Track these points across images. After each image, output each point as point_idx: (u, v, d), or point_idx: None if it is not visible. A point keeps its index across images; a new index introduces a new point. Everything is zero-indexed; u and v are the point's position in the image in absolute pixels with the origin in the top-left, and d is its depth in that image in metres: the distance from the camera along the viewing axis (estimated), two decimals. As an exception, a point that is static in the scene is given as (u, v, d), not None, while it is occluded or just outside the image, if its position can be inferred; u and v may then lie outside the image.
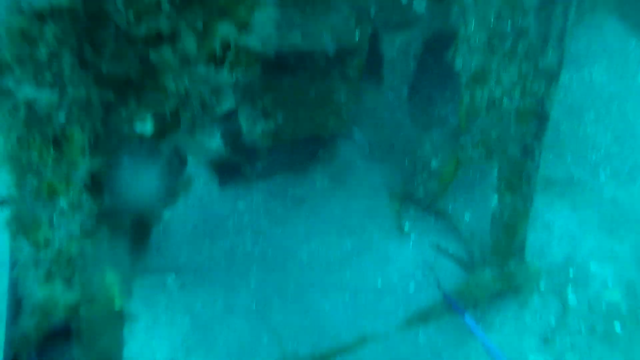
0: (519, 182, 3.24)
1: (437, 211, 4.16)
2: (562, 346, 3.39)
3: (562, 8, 2.82)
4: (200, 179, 5.06)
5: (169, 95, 1.82)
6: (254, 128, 3.87)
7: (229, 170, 4.92)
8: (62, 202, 1.45)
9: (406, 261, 4.19)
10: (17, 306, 1.42)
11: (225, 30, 1.78)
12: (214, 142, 4.57)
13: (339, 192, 4.76)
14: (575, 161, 4.08)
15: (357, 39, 3.71)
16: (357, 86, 4.14)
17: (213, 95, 1.88)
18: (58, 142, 1.39)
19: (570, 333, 3.42)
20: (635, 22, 4.54)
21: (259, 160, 4.71)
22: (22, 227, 1.43)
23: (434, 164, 3.88)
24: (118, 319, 1.71)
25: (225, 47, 1.83)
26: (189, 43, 1.76)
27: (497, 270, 3.50)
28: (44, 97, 1.29)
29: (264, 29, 1.83)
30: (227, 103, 4.08)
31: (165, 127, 1.88)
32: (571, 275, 3.64)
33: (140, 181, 2.10)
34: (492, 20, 2.83)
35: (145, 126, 1.84)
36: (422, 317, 3.44)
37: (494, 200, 3.38)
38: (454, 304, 3.28)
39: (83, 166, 1.47)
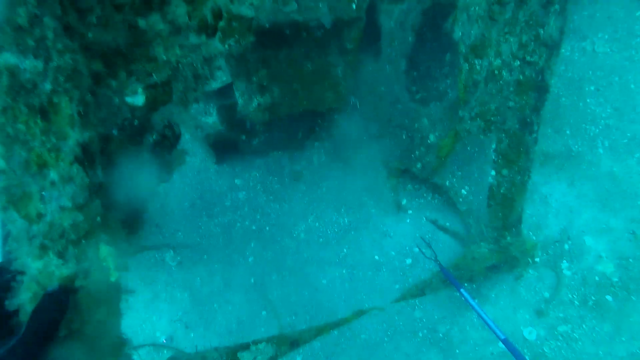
0: (516, 155, 3.21)
1: (435, 185, 4.15)
2: (556, 318, 3.46)
3: (565, -25, 2.73)
4: (197, 156, 5.03)
5: (160, 66, 1.76)
6: (249, 102, 3.80)
7: (226, 147, 4.88)
8: (53, 174, 1.42)
9: (403, 236, 4.21)
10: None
11: (216, -4, 1.71)
12: (210, 117, 4.51)
13: (336, 167, 4.73)
14: (573, 134, 4.05)
15: (354, 10, 3.60)
16: (355, 59, 4.05)
17: (205, 65, 1.82)
18: (45, 112, 1.35)
19: (564, 305, 3.47)
20: (640, -9, 4.41)
21: (255, 137, 4.66)
22: (12, 200, 1.41)
23: (432, 138, 3.84)
24: (114, 291, 1.72)
25: (217, 14, 1.76)
26: (179, 10, 1.69)
27: (493, 243, 3.52)
28: (28, 64, 1.24)
29: (256, -5, 1.75)
30: (222, 76, 4.00)
31: (157, 98, 1.83)
32: (566, 249, 3.67)
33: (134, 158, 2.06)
34: (493, -13, 2.73)
35: (137, 97, 1.79)
36: (419, 291, 3.47)
37: (492, 173, 3.36)
38: (450, 278, 3.31)
39: (73, 137, 1.43)
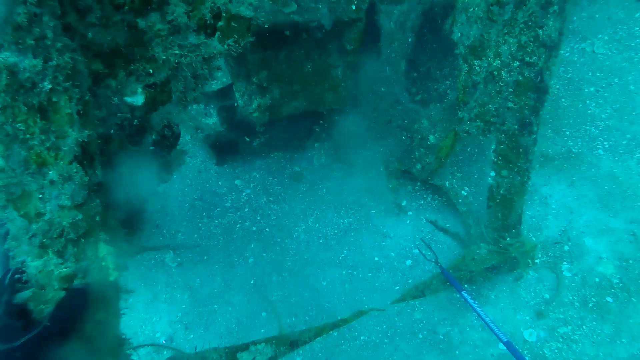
0: (516, 156, 3.21)
1: (435, 186, 4.15)
2: (556, 319, 3.45)
3: (564, -24, 2.74)
4: (197, 157, 5.04)
5: (159, 65, 1.77)
6: (249, 103, 3.82)
7: (226, 148, 4.89)
8: (52, 173, 1.42)
9: (403, 237, 4.21)
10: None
11: (215, -4, 1.72)
12: (210, 119, 4.52)
13: (337, 168, 4.74)
14: (573, 135, 4.05)
15: (354, 11, 3.62)
16: (355, 60, 4.07)
17: (205, 65, 1.82)
18: (44, 111, 1.36)
19: (564, 306, 3.46)
20: (640, -7, 4.42)
21: (255, 137, 4.67)
22: (12, 198, 1.41)
23: (432, 139, 3.84)
24: (114, 291, 1.72)
25: (216, 14, 1.77)
26: (178, 10, 1.70)
27: (493, 244, 3.51)
28: (27, 63, 1.25)
29: (255, -5, 1.76)
30: (222, 77, 4.01)
31: (156, 98, 1.84)
32: (566, 250, 3.67)
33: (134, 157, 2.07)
34: (492, -13, 2.73)
35: (136, 97, 1.79)
36: (418, 292, 3.47)
37: (491, 174, 3.36)
38: (451, 280, 3.31)
39: (72, 136, 1.44)
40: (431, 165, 3.93)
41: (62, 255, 1.50)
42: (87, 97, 1.53)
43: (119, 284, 1.74)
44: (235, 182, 4.86)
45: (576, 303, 3.44)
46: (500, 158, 3.32)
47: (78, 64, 1.44)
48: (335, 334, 3.75)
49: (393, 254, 4.15)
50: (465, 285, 3.49)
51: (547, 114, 4.15)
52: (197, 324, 4.12)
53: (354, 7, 3.58)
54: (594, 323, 3.33)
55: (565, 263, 3.62)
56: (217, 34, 1.80)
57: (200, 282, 4.31)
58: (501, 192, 3.37)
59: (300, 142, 4.88)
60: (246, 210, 4.66)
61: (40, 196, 1.44)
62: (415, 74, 4.50)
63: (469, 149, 4.14)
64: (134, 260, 4.42)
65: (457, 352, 3.52)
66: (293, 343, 2.45)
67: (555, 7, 2.74)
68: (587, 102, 4.20)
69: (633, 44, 4.28)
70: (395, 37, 4.00)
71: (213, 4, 1.74)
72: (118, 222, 1.86)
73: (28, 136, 1.34)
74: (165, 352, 3.90)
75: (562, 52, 4.43)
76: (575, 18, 4.54)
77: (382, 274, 4.07)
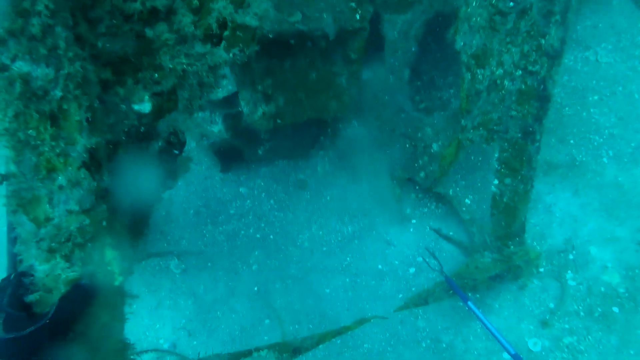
0: (519, 164, 3.22)
1: (438, 195, 4.16)
2: (561, 329, 3.42)
3: (566, -15, 2.76)
4: (202, 164, 5.09)
5: (166, 74, 1.81)
6: (254, 111, 3.86)
7: (231, 155, 4.93)
8: (61, 179, 1.45)
9: (407, 245, 4.21)
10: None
11: (221, 6, 1.76)
12: (216, 126, 4.57)
13: (341, 176, 4.76)
14: (577, 144, 4.05)
15: (358, 20, 3.66)
16: (359, 69, 4.11)
17: (210, 73, 1.86)
18: (55, 118, 1.39)
19: (569, 316, 3.44)
20: (644, 2, 4.45)
21: (260, 145, 4.71)
22: (22, 203, 1.45)
23: (435, 147, 3.86)
24: (118, 295, 1.74)
25: (222, 24, 1.81)
26: (185, 20, 1.75)
27: (496, 253, 3.51)
28: (39, 72, 1.29)
29: (260, 5, 1.80)
30: (227, 85, 4.06)
31: (163, 106, 1.87)
32: (571, 258, 3.65)
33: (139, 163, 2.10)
34: (494, -3, 2.77)
35: (143, 105, 1.83)
36: (421, 300, 3.46)
37: (495, 182, 3.37)
38: (456, 290, 3.30)
39: (81, 143, 1.47)
40: (435, 173, 3.94)
41: (70, 260, 1.53)
42: (96, 105, 1.57)
43: (124, 289, 1.77)
44: (240, 190, 4.89)
45: (581, 313, 3.42)
46: (503, 166, 3.32)
47: (88, 72, 1.49)
48: (339, 341, 3.74)
49: (397, 262, 4.15)
50: (469, 294, 3.48)
51: (551, 122, 4.15)
52: (200, 330, 4.12)
53: (358, 17, 3.63)
54: (600, 333, 3.30)
55: (569, 272, 3.60)
56: (223, 43, 1.85)
57: (204, 289, 4.32)
58: (504, 200, 3.38)
59: (305, 149, 4.91)
60: (250, 217, 4.68)
61: (49, 201, 1.47)
62: (419, 83, 4.53)
63: (472, 157, 4.15)
64: (138, 266, 4.45)
65: (460, 361, 3.50)
66: (295, 350, 2.45)
67: (557, 17, 2.77)
68: (592, 110, 4.20)
69: (637, 53, 4.29)
70: (399, 46, 4.05)
71: (219, 14, 1.78)
72: (124, 227, 1.89)
73: (39, 142, 1.38)
74: (168, 358, 3.91)
75: (566, 60, 4.44)
76: (578, 27, 4.57)
77: (386, 281, 4.06)
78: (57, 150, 1.42)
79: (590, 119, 4.15)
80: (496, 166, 3.37)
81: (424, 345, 3.65)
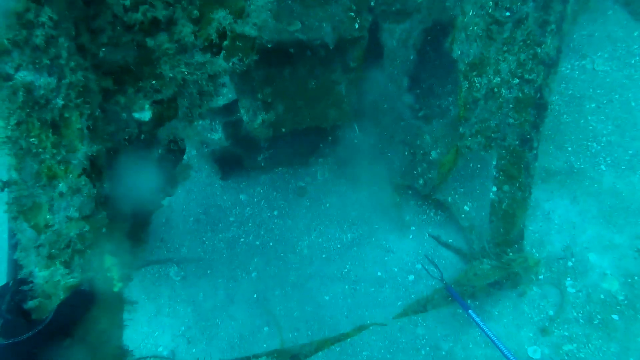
0: (517, 171, 3.24)
1: (437, 202, 4.17)
2: (560, 336, 3.41)
3: (561, -5, 2.80)
4: (202, 172, 5.11)
5: (166, 83, 1.84)
6: (254, 119, 3.89)
7: (231, 163, 4.96)
8: (62, 186, 1.47)
9: (406, 252, 4.21)
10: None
11: (221, 17, 1.79)
12: (216, 134, 4.60)
13: (340, 183, 4.78)
14: (575, 151, 4.07)
15: (357, 29, 3.71)
16: (358, 77, 4.15)
17: (210, 82, 1.89)
18: (56, 126, 1.42)
19: (568, 323, 3.43)
20: None
21: (260, 153, 4.74)
22: (23, 210, 1.46)
23: (434, 154, 3.88)
24: (117, 302, 1.75)
25: (221, 34, 1.85)
26: (186, 30, 1.78)
27: (495, 260, 3.51)
28: (42, 81, 1.31)
29: (259, 16, 1.84)
30: (228, 93, 4.09)
31: (163, 114, 1.90)
32: (570, 266, 3.65)
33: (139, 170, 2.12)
34: (491, 6, 2.80)
35: (143, 113, 1.86)
36: (420, 307, 3.46)
37: (493, 189, 3.38)
38: (457, 298, 3.30)
39: (82, 150, 1.49)
40: (434, 180, 3.96)
41: (69, 266, 1.54)
42: (97, 113, 1.60)
43: (123, 295, 1.78)
44: (240, 197, 4.90)
45: (581, 320, 3.41)
46: (501, 173, 3.34)
47: (89, 81, 1.51)
48: (338, 349, 3.73)
49: (396, 269, 4.15)
50: (468, 301, 3.47)
51: (549, 130, 4.18)
52: (199, 338, 4.11)
53: (357, 26, 3.67)
54: (600, 341, 3.29)
55: (569, 279, 3.60)
56: (223, 52, 1.88)
57: (204, 296, 4.32)
58: (503, 207, 3.39)
59: (304, 157, 4.94)
60: (250, 224, 4.69)
61: (50, 208, 1.49)
62: (418, 91, 4.56)
63: (471, 165, 4.17)
64: (138, 273, 4.45)
65: (460, 369, 3.49)
66: (294, 357, 2.45)
67: (553, 26, 2.81)
68: (589, 118, 4.23)
69: (632, 61, 4.33)
70: (398, 54, 4.09)
71: (219, 24, 1.82)
72: (124, 234, 1.90)
73: (40, 150, 1.40)
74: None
75: (563, 69, 4.49)
76: (575, 36, 4.62)
77: (385, 289, 4.05)
78: (58, 158, 1.45)
79: (588, 126, 4.18)
80: (494, 173, 3.39)
81: (424, 352, 3.63)
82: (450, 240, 4.11)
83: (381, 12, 3.92)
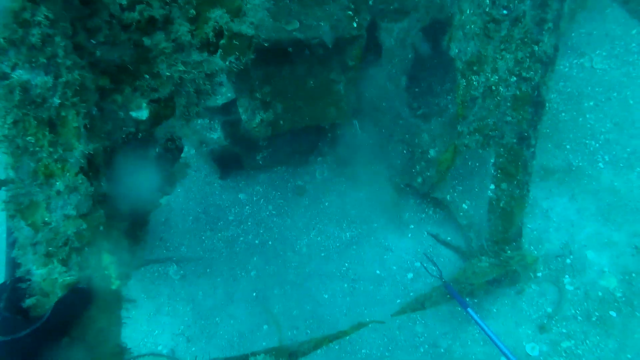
0: (515, 169, 3.24)
1: (436, 200, 4.18)
2: (558, 333, 3.42)
3: (558, -7, 2.81)
4: (201, 171, 5.11)
5: (164, 81, 1.85)
6: (252, 118, 3.90)
7: (230, 162, 4.97)
8: (59, 184, 1.48)
9: (405, 250, 4.22)
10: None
11: (217, 15, 1.80)
12: (215, 133, 4.60)
13: (339, 182, 4.79)
14: (573, 149, 4.08)
15: (355, 28, 3.71)
16: (356, 76, 4.15)
17: (207, 81, 1.90)
18: (53, 125, 1.43)
19: (566, 320, 3.44)
20: (638, 8, 4.50)
21: (259, 152, 4.74)
22: (20, 208, 1.47)
23: (432, 153, 3.89)
24: (115, 300, 1.76)
25: (218, 33, 1.85)
26: (182, 29, 1.78)
27: (494, 257, 3.52)
28: (39, 80, 1.32)
29: (256, 15, 1.84)
30: (227, 92, 4.10)
31: (160, 112, 1.91)
32: (568, 263, 3.66)
33: (137, 169, 2.13)
34: (488, 4, 2.81)
35: (141, 112, 1.87)
36: (418, 304, 3.47)
37: (491, 187, 3.39)
38: (456, 296, 3.31)
39: (79, 149, 1.50)
40: (432, 178, 3.97)
41: (67, 264, 1.55)
42: (94, 112, 1.61)
43: (121, 293, 1.79)
44: (239, 196, 4.91)
45: (579, 317, 3.42)
46: (499, 171, 3.35)
47: (86, 80, 1.52)
48: (337, 347, 3.74)
49: (395, 267, 4.15)
50: (467, 299, 3.48)
51: (547, 128, 4.19)
52: (199, 336, 4.12)
53: (355, 25, 3.68)
54: (598, 337, 3.30)
55: (567, 276, 3.61)
56: (220, 51, 1.88)
57: (203, 295, 4.33)
58: (501, 205, 3.40)
59: (303, 156, 4.95)
60: (249, 223, 4.70)
61: (47, 206, 1.49)
62: (417, 89, 4.57)
63: (469, 163, 4.17)
64: (137, 272, 4.46)
65: (459, 367, 3.50)
66: (292, 354, 2.45)
67: (550, 24, 2.81)
68: (587, 116, 4.24)
69: (631, 59, 4.34)
70: (396, 53, 4.09)
71: (215, 23, 1.82)
72: (122, 232, 1.91)
73: (37, 149, 1.41)
74: (166, 363, 3.90)
75: (562, 67, 4.49)
76: (573, 34, 4.62)
77: (384, 287, 4.06)
78: (55, 157, 1.45)
79: (586, 124, 4.19)
80: (492, 171, 3.40)
81: (422, 350, 3.64)
82: (448, 239, 4.12)
83: (379, 11, 3.92)
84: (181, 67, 1.81)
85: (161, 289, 4.46)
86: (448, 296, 3.45)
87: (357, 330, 2.97)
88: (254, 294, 4.24)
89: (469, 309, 3.20)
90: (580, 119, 4.22)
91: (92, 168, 1.64)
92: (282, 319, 4.05)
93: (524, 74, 2.97)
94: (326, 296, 4.12)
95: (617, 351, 3.23)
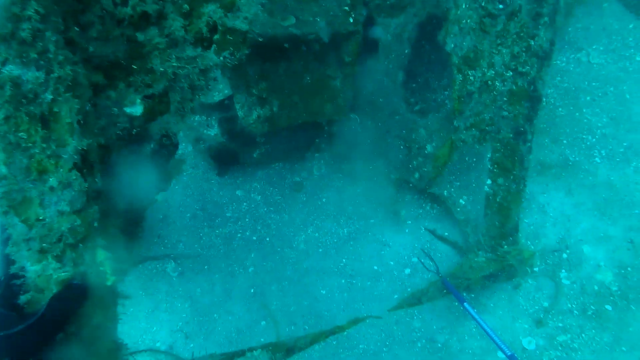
0: (511, 164, 3.25)
1: (433, 195, 4.18)
2: (555, 327, 3.44)
3: (554, -13, 2.80)
4: (199, 168, 5.11)
5: (158, 77, 1.84)
6: (249, 114, 3.89)
7: (228, 159, 4.96)
8: (52, 180, 1.48)
9: (402, 246, 4.23)
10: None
11: (211, 10, 1.79)
12: (212, 130, 4.59)
13: (336, 178, 4.79)
14: (570, 144, 4.09)
15: (352, 23, 3.70)
16: (353, 72, 4.14)
17: (201, 76, 1.89)
18: (46, 121, 1.42)
19: (563, 314, 3.45)
20: (635, 3, 4.50)
21: (256, 148, 4.74)
22: (13, 204, 1.47)
23: (429, 148, 3.89)
24: (111, 296, 1.76)
25: (212, 28, 1.84)
26: (176, 24, 1.77)
27: (490, 252, 3.53)
28: (30, 75, 1.31)
29: (250, 10, 1.83)
30: (224, 89, 4.08)
31: (155, 108, 1.90)
32: (565, 258, 3.67)
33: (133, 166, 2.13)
34: (483, -1, 2.81)
35: (135, 107, 1.86)
36: (415, 299, 3.48)
37: (488, 182, 3.39)
38: (453, 291, 3.32)
39: (72, 145, 1.49)
40: (429, 174, 3.97)
41: (61, 260, 1.55)
42: (87, 108, 1.60)
43: (117, 289, 1.79)
44: (237, 192, 4.91)
45: (575, 311, 3.43)
46: (496, 166, 3.35)
47: (79, 75, 1.51)
48: (335, 342, 3.76)
49: (392, 263, 4.16)
50: (464, 294, 3.49)
51: (544, 122, 4.19)
52: (197, 333, 4.13)
53: (351, 20, 3.67)
54: (593, 331, 3.32)
55: (563, 271, 3.62)
56: (214, 46, 1.87)
57: (201, 292, 4.33)
58: (498, 200, 3.40)
59: (301, 152, 4.94)
60: (247, 220, 4.70)
61: (41, 202, 1.49)
62: (414, 85, 4.56)
63: (467, 158, 4.17)
64: (135, 269, 4.46)
65: (456, 361, 3.51)
66: (289, 350, 2.46)
67: (546, 19, 2.81)
68: (584, 111, 4.24)
69: (627, 54, 4.34)
70: (393, 48, 4.08)
71: (209, 18, 1.81)
72: (117, 228, 1.91)
73: (30, 144, 1.40)
74: (163, 358, 3.91)
75: (559, 62, 4.49)
76: (570, 29, 4.61)
77: (381, 282, 4.07)
78: (48, 152, 1.45)
79: (583, 119, 4.19)
80: (489, 166, 3.40)
81: (420, 345, 3.66)
82: (446, 234, 4.13)
83: (375, 6, 3.91)
84: (175, 63, 1.80)
85: (159, 286, 4.46)
86: (445, 291, 3.46)
87: (354, 326, 2.98)
88: (252, 291, 4.25)
89: (465, 304, 3.22)
90: (577, 114, 4.23)
91: (86, 164, 1.63)
92: (279, 315, 4.06)
93: (520, 69, 2.97)
94: (324, 292, 4.13)
95: (612, 344, 3.25)
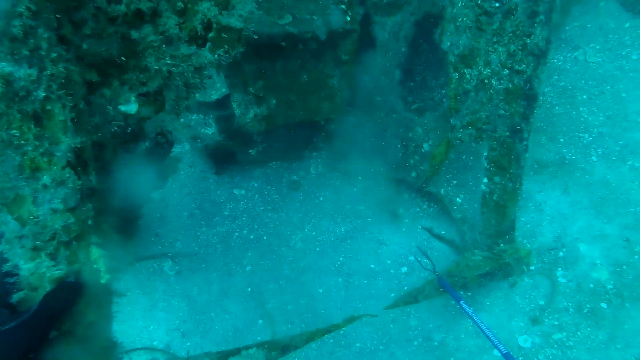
0: (508, 163, 3.25)
1: (430, 194, 4.18)
2: (550, 325, 3.45)
3: (550, -14, 2.80)
4: (196, 167, 5.10)
5: (152, 75, 1.83)
6: (246, 113, 3.88)
7: (225, 157, 4.95)
8: (45, 178, 1.47)
9: (399, 245, 4.23)
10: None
11: (205, 8, 1.79)
12: (209, 128, 4.59)
13: (333, 177, 4.79)
14: (567, 142, 4.09)
15: (348, 22, 3.69)
16: (350, 70, 4.14)
17: (196, 74, 1.89)
18: (39, 118, 1.42)
19: (559, 312, 3.46)
20: (631, 1, 4.51)
21: (253, 147, 4.73)
22: (6, 202, 1.46)
23: (426, 146, 3.89)
24: (105, 294, 1.75)
25: (207, 26, 1.84)
26: (170, 22, 1.77)
27: (487, 251, 3.53)
28: (22, 72, 1.31)
29: (244, 7, 1.83)
30: (221, 88, 4.08)
31: (150, 106, 1.90)
32: (561, 256, 3.68)
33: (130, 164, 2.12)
34: (479, -3, 2.80)
35: (130, 106, 1.86)
36: (411, 298, 3.48)
37: (484, 181, 3.40)
38: (449, 290, 3.32)
39: (65, 142, 1.49)
40: (426, 172, 3.97)
41: (55, 258, 1.54)
42: (81, 105, 1.59)
43: (111, 287, 1.78)
44: (234, 191, 4.91)
45: (571, 309, 3.44)
46: (492, 165, 3.36)
47: (72, 73, 1.51)
48: (331, 341, 3.76)
49: (389, 261, 4.17)
50: (460, 292, 3.50)
51: (541, 121, 4.20)
52: (194, 331, 4.13)
53: (348, 19, 3.66)
54: (589, 329, 3.33)
55: (560, 269, 3.63)
56: (208, 44, 1.87)
57: (198, 290, 4.33)
58: (494, 198, 3.41)
59: (298, 151, 4.94)
60: (244, 218, 4.70)
61: (34, 200, 1.49)
62: (411, 84, 4.56)
63: (464, 157, 4.18)
64: (132, 268, 4.46)
65: (452, 359, 3.52)
66: (285, 348, 2.46)
67: (542, 17, 2.81)
68: (581, 109, 4.24)
69: (624, 53, 4.34)
70: (390, 47, 4.08)
71: (204, 16, 1.81)
72: (111, 226, 1.90)
73: (22, 142, 1.40)
74: (159, 356, 3.91)
75: (555, 60, 4.49)
76: (567, 28, 4.62)
77: (378, 281, 4.08)
78: (41, 150, 1.44)
79: (580, 117, 4.20)
80: (485, 165, 3.40)
81: (416, 343, 3.66)
82: (442, 232, 4.13)
83: (372, 5, 3.91)
84: (170, 61, 1.80)
85: (156, 285, 4.46)
86: (441, 289, 3.47)
87: (351, 324, 2.98)
88: (249, 289, 4.25)
89: (461, 302, 3.22)
90: (574, 113, 4.23)
91: (80, 162, 1.63)
92: (277, 314, 4.06)
93: (516, 67, 2.97)
94: (321, 291, 4.13)
95: (607, 342, 3.26)
